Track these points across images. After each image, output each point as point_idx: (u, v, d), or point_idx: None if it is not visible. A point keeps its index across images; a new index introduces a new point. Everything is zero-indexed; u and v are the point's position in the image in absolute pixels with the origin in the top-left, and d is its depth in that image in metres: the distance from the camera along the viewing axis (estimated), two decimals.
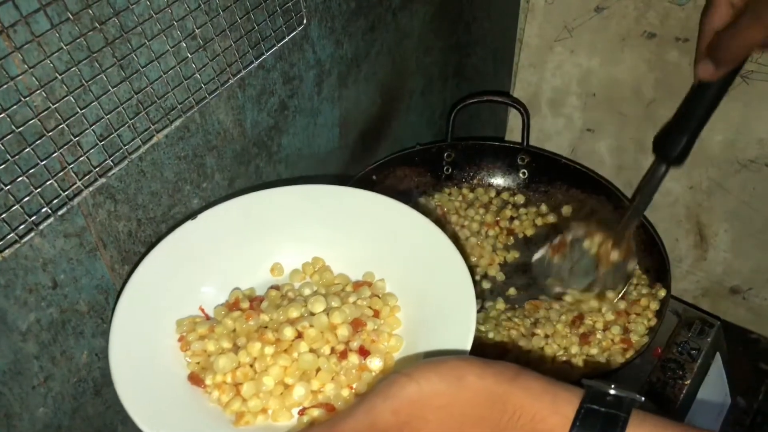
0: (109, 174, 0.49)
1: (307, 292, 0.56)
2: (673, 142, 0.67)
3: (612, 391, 0.36)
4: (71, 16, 0.42)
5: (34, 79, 0.41)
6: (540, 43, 0.96)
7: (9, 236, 0.43)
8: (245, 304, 0.54)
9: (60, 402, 0.53)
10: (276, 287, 0.57)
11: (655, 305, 0.67)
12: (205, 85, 0.53)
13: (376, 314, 0.53)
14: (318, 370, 0.49)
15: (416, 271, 0.55)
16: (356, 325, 0.51)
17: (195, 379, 0.50)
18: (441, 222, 0.81)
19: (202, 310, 0.55)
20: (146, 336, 0.51)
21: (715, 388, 0.75)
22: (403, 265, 0.56)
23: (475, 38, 0.94)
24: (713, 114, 0.65)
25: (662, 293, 0.67)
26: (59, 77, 0.42)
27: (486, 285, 0.77)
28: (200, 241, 0.56)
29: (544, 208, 0.83)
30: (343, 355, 0.49)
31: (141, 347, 0.50)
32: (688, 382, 0.68)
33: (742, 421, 0.86)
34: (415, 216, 0.56)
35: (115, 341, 0.49)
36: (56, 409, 0.53)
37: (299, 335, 0.50)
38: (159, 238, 0.56)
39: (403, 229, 0.57)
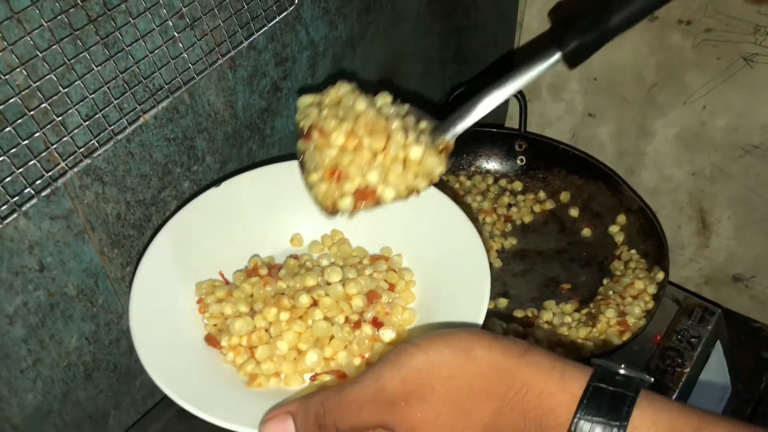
0: (95, 155, 0.48)
1: (324, 262, 0.57)
2: (582, 34, 0.46)
3: (621, 371, 0.36)
4: None
5: (14, 56, 0.40)
6: (540, 27, 0.95)
7: None
8: (264, 271, 0.55)
9: (50, 386, 0.53)
10: (295, 257, 0.58)
11: (652, 289, 0.66)
12: (193, 65, 0.52)
13: (392, 288, 0.54)
14: (331, 338, 0.50)
15: (433, 247, 0.55)
16: (371, 297, 0.52)
17: (211, 340, 0.51)
18: None
19: (222, 275, 0.56)
20: (166, 296, 0.52)
21: (715, 376, 0.74)
22: (420, 241, 0.56)
23: (475, 21, 0.92)
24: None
25: (660, 276, 0.66)
26: (40, 55, 0.41)
27: None
28: (223, 208, 0.57)
29: (542, 194, 0.82)
30: (357, 325, 0.50)
31: (160, 307, 0.51)
32: (688, 370, 0.67)
33: (743, 409, 0.85)
34: (434, 193, 0.56)
35: (135, 299, 0.50)
36: (46, 393, 0.53)
37: (314, 303, 0.51)
38: (183, 203, 0.57)
39: (421, 206, 0.56)
